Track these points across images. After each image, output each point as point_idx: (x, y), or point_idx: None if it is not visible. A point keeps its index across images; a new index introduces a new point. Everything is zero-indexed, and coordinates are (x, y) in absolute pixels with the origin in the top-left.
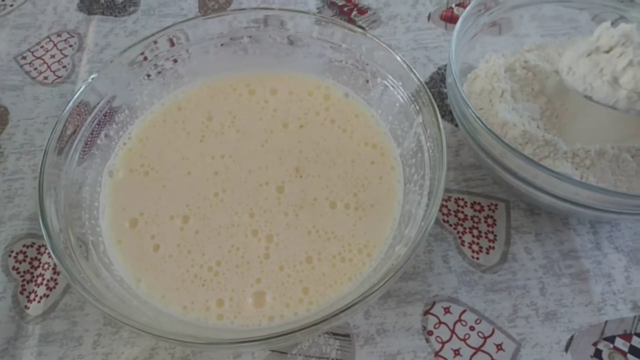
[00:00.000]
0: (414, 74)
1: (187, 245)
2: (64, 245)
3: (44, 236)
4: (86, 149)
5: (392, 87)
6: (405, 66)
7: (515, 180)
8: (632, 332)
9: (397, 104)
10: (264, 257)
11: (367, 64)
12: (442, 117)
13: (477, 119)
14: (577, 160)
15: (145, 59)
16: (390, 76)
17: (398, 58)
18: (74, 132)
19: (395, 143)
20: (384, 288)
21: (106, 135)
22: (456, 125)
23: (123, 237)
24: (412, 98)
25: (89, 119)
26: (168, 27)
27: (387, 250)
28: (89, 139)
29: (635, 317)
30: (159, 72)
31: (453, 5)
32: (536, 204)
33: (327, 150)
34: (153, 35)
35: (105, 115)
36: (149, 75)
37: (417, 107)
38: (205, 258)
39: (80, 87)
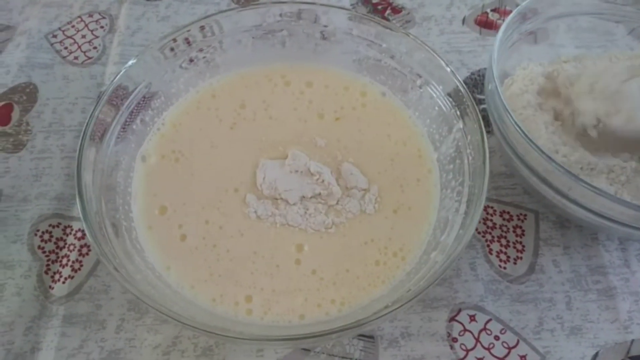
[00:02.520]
0: (457, 79)
1: (212, 239)
2: (99, 226)
3: (80, 214)
4: (121, 133)
5: (432, 90)
6: (448, 70)
7: (548, 190)
8: None
9: (436, 107)
10: (295, 263)
11: (406, 64)
12: None
13: (516, 126)
14: (613, 175)
15: (181, 47)
16: (431, 79)
17: (442, 62)
18: (113, 115)
19: (432, 146)
20: (420, 296)
21: (142, 121)
22: (488, 131)
23: (153, 224)
24: (453, 103)
25: (127, 103)
26: (203, 17)
27: (422, 256)
28: (125, 123)
29: None
30: (194, 61)
31: (488, 10)
32: (566, 216)
33: (366, 145)
34: (189, 24)
35: (142, 101)
36: (184, 64)
37: (458, 113)
38: (230, 255)
39: (120, 71)
